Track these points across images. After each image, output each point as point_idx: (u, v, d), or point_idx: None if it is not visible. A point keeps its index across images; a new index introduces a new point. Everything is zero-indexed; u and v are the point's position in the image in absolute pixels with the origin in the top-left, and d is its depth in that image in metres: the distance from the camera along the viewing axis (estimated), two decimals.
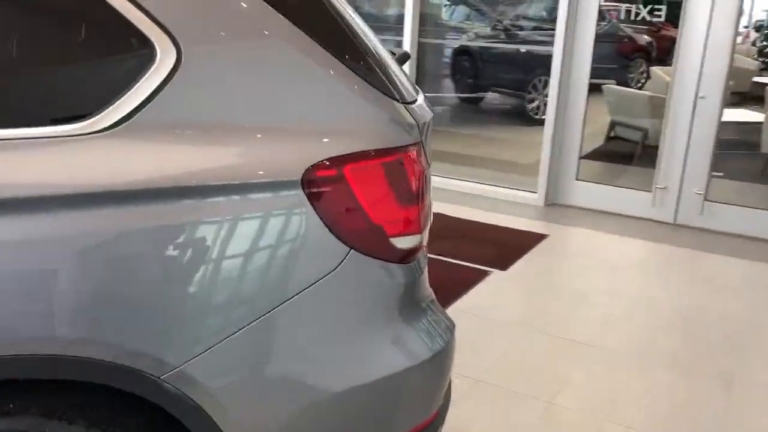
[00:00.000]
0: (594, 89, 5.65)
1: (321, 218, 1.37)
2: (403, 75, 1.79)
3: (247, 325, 1.34)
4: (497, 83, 7.13)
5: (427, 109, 1.79)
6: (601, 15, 5.13)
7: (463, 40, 6.93)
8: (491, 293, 3.63)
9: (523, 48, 6.62)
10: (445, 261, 3.99)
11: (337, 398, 1.43)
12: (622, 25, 5.75)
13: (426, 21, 6.22)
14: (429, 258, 4.02)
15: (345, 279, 1.41)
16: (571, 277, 3.91)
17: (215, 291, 1.31)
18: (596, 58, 4.95)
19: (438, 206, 5.00)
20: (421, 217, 1.52)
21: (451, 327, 1.65)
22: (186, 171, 1.29)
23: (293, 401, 1.40)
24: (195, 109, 1.32)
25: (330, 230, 1.37)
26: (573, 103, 4.97)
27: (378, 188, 1.42)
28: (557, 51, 4.85)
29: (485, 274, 3.85)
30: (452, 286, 3.66)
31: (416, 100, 1.69)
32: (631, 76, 6.53)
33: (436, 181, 5.42)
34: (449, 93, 7.13)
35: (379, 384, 1.46)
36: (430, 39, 6.09)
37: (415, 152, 1.49)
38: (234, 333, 1.33)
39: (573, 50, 4.88)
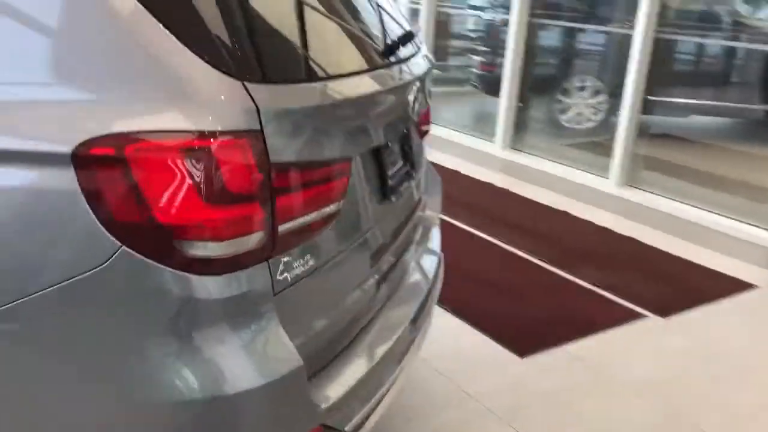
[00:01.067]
0: None
1: (88, 203, 1.16)
2: (311, 49, 1.46)
3: None
4: None
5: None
6: None
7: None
8: (627, 342, 2.95)
9: None
10: (593, 291, 3.35)
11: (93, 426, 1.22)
12: None
13: (713, 18, 5.29)
14: (575, 284, 3.43)
15: (114, 281, 1.18)
16: (754, 347, 2.99)
17: None
18: None
19: (637, 230, 4.25)
20: (246, 221, 1.22)
21: (291, 360, 1.30)
22: None
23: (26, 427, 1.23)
24: None
25: (98, 220, 1.16)
26: None
27: (170, 179, 1.17)
28: None
29: (635, 317, 3.15)
30: (582, 321, 3.06)
31: (298, 80, 1.35)
32: None
33: (652, 201, 4.61)
34: (748, 104, 5.97)
35: (154, 412, 1.22)
36: (683, 35, 5.16)
37: (240, 142, 1.19)
38: None
39: None
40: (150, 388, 1.21)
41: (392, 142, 1.75)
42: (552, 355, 2.79)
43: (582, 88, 6.12)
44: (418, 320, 1.93)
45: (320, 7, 1.57)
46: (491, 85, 6.09)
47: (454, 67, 7.22)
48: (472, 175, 5.17)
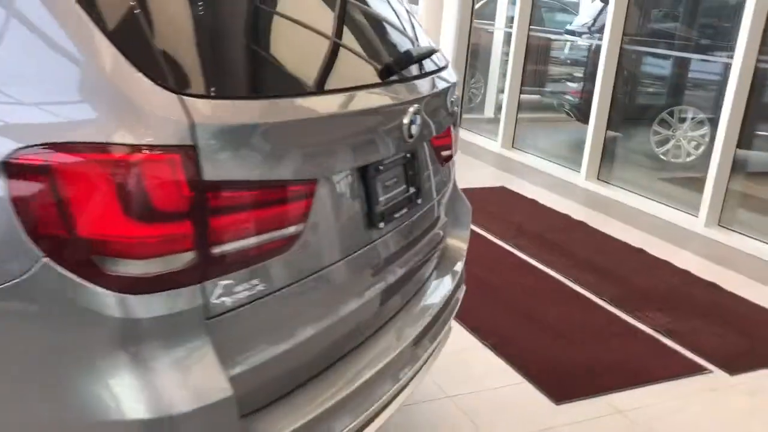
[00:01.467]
0: None
1: (16, 212, 1.15)
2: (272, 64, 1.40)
3: None
4: None
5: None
6: None
7: None
8: (681, 398, 2.67)
9: None
10: (653, 337, 3.07)
11: None
12: None
13: None
14: (634, 327, 3.15)
15: (36, 293, 1.16)
16: None
17: None
18: None
19: (721, 275, 3.89)
20: (173, 240, 1.17)
21: (220, 390, 1.23)
22: None
23: None
24: None
25: (24, 229, 1.15)
26: None
27: (94, 192, 1.14)
28: None
29: (697, 370, 2.85)
30: (632, 370, 2.80)
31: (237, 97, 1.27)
32: None
33: (743, 243, 4.21)
34: None
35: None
36: None
37: (169, 157, 1.15)
38: None
39: None
40: (68, 404, 1.17)
41: (385, 165, 1.66)
42: (592, 405, 2.57)
43: (683, 120, 5.75)
44: (420, 343, 1.83)
45: (285, 20, 1.49)
46: (584, 113, 5.84)
47: (548, 93, 6.99)
48: (549, 204, 4.94)
